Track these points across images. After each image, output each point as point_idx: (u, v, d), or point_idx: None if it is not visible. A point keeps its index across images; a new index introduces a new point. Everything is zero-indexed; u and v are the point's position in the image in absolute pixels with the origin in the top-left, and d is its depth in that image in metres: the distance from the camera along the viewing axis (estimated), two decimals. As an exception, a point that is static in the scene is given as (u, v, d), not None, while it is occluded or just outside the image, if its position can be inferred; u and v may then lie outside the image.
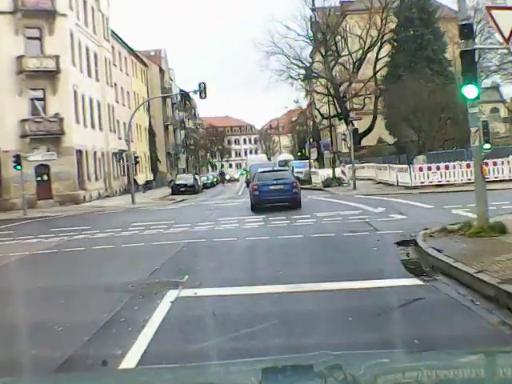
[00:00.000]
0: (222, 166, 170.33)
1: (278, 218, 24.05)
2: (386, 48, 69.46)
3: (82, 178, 52.33)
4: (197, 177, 68.69)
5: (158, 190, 70.45)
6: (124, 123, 70.45)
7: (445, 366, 3.37)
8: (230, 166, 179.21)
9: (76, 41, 53.14)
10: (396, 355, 4.15)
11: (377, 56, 72.22)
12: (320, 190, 46.86)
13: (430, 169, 37.48)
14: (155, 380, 3.57)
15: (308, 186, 51.48)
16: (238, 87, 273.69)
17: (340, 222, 21.55)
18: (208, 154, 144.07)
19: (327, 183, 47.45)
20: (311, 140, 79.37)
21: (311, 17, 76.21)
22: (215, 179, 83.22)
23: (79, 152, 51.56)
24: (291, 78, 76.45)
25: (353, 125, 62.31)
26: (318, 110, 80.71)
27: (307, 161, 60.49)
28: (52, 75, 48.94)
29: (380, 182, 44.45)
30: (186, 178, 63.35)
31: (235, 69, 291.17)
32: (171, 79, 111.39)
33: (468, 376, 3.20)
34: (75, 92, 51.67)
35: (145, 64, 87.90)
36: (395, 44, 56.14)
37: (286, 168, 43.53)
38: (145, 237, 21.20)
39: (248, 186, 41.11)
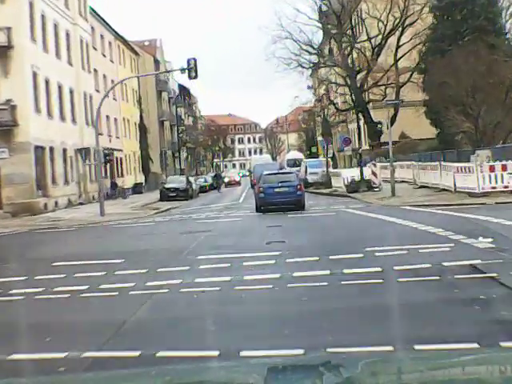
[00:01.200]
0: (226, 167, 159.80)
1: (308, 261, 12.96)
2: (411, 31, 59.08)
3: (44, 182, 41.32)
4: (192, 179, 57.73)
5: (148, 194, 59.47)
6: (107, 116, 59.50)
7: (445, 366, 3.34)
8: (234, 166, 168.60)
9: (37, 12, 42.16)
10: (396, 355, 4.25)
11: (398, 41, 61.73)
12: (344, 196, 35.97)
13: (504, 168, 26.48)
14: (155, 380, 3.49)
15: (326, 191, 40.52)
16: (242, 86, 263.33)
17: (435, 279, 10.40)
18: (210, 154, 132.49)
19: (353, 188, 36.45)
20: (322, 136, 69.00)
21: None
22: (215, 181, 71.23)
23: (40, 149, 40.60)
24: (301, 66, 65.73)
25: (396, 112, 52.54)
26: (332, 101, 69.49)
27: (323, 159, 49.43)
28: (2, 52, 38.08)
29: (424, 186, 33.56)
30: (177, 181, 52.41)
31: (239, 68, 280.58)
32: (168, 72, 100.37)
33: (468, 376, 3.16)
34: (35, 74, 40.74)
35: (135, 52, 76.96)
36: (437, 13, 44.85)
37: (291, 170, 40.75)
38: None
39: (252, 187, 40.19)
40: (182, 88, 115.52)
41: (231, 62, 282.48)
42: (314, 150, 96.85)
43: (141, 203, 47.15)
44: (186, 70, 35.03)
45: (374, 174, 36.36)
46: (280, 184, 29.22)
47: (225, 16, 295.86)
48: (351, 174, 38.80)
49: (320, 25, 68.78)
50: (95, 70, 56.80)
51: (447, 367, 3.31)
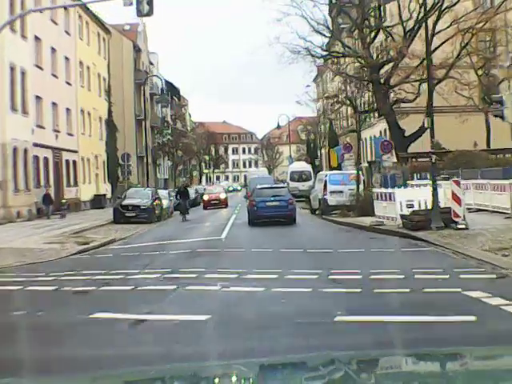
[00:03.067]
0: (218, 178, 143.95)
1: None
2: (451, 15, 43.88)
3: None
4: (165, 193, 42.02)
5: (110, 210, 43.69)
6: (54, 104, 43.80)
7: (445, 366, 3.34)
8: (227, 178, 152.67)
9: None
10: (396, 355, 4.07)
11: (434, 27, 46.38)
12: (403, 236, 20.38)
13: None
14: (155, 380, 3.45)
15: (360, 222, 25.14)
16: (238, 97, 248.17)
17: None
18: (201, 163, 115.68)
19: (418, 221, 20.77)
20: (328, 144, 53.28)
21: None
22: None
23: None
24: (311, 55, 50.10)
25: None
26: (349, 99, 53.33)
27: (351, 172, 33.68)
28: None
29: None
30: (138, 196, 36.65)
31: (235, 79, 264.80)
32: (151, 64, 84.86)
33: (468, 376, 3.11)
34: None
35: (107, 30, 61.14)
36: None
37: (283, 185, 42.12)
38: None
39: (247, 199, 39.60)
40: (169, 86, 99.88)
41: (231, 73, 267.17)
42: (318, 162, 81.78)
43: (80, 226, 31.54)
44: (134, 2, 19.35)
45: (456, 198, 20.66)
46: (272, 198, 29.58)
47: (224, 19, 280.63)
48: (411, 196, 23.11)
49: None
50: (37, 39, 41.11)
51: (447, 367, 3.27)
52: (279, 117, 76.48)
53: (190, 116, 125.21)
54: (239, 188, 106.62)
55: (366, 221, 25.67)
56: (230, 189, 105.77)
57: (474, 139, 49.03)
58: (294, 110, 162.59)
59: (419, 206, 22.68)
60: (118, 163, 59.20)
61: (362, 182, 31.84)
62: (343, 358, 3.73)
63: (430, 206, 22.10)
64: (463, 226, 20.26)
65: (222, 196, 51.65)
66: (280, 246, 19.01)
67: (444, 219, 20.73)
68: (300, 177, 53.88)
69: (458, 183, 21.09)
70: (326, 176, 32.78)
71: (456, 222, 20.57)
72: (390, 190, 23.77)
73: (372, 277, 12.31)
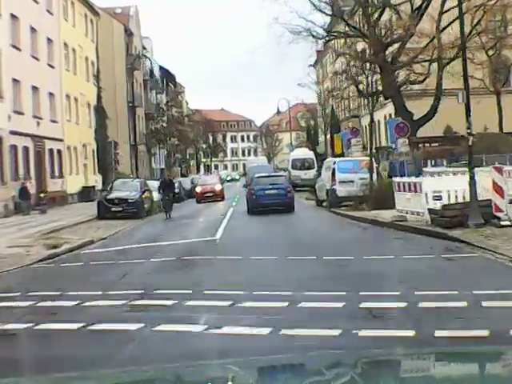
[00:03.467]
0: (216, 167, 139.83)
1: None
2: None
3: None
4: (156, 184, 38.31)
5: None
6: (34, 88, 40.06)
7: (445, 366, 3.31)
8: (226, 166, 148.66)
9: None
10: (396, 355, 3.94)
11: (442, 5, 42.59)
12: (434, 235, 16.71)
13: None
14: (155, 380, 3.43)
15: (376, 217, 21.54)
16: (236, 85, 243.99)
17: None
18: (198, 151, 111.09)
19: (451, 217, 17.06)
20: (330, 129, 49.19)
21: None
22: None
23: None
24: (312, 36, 46.28)
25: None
26: (355, 80, 49.36)
27: (363, 159, 29.89)
28: None
29: None
30: (126, 188, 32.89)
31: (235, 79, 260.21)
32: (145, 48, 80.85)
33: (468, 376, 3.07)
34: None
35: (94, 12, 57.16)
36: None
37: (281, 173, 41.77)
38: None
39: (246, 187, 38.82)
40: (164, 72, 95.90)
41: (227, 59, 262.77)
42: (319, 150, 78.00)
43: (59, 224, 27.88)
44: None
45: (497, 189, 16.95)
46: (270, 186, 29.56)
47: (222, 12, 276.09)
48: (438, 186, 19.33)
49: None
50: (14, 17, 37.28)
51: (447, 367, 3.25)
52: (279, 101, 72.20)
53: (187, 103, 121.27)
54: (237, 177, 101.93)
55: (384, 215, 21.97)
56: (228, 178, 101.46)
57: (483, 123, 45.81)
58: (296, 94, 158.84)
59: (448, 199, 18.93)
60: (108, 152, 55.50)
61: (375, 169, 27.97)
62: (343, 358, 3.72)
63: (461, 199, 18.44)
64: (508, 223, 16.58)
65: (218, 188, 45.15)
66: (286, 250, 15.39)
67: (483, 214, 17.04)
68: (302, 165, 50.12)
69: (499, 170, 17.34)
70: (335, 163, 28.90)
71: (498, 218, 16.90)
72: (415, 180, 19.92)
73: (422, 304, 8.64)
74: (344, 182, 27.73)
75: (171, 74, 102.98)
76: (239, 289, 10.39)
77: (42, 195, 33.76)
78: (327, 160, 34.90)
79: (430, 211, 18.21)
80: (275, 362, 3.82)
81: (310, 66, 61.90)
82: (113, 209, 31.18)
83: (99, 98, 55.74)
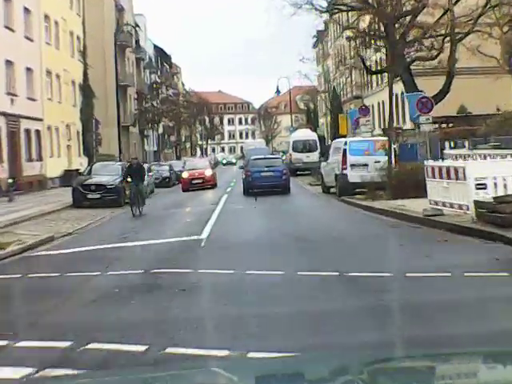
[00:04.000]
0: (214, 150, 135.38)
1: None
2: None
3: None
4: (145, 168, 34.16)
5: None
6: (8, 61, 35.69)
7: (445, 366, 3.25)
8: (223, 149, 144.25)
9: None
10: (396, 355, 4.02)
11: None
12: (488, 237, 12.50)
13: None
14: (154, 380, 3.30)
15: (407, 211, 17.23)
16: (236, 69, 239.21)
17: None
18: (192, 133, 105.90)
19: (510, 213, 12.79)
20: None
21: None
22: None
23: None
24: (315, 8, 41.85)
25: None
26: (361, 58, 44.86)
27: (379, 139, 25.57)
28: None
29: None
30: (105, 173, 28.64)
31: (233, 49, 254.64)
32: (137, 26, 76.14)
33: (468, 376, 3.04)
34: None
35: (80, -18, 52.60)
36: None
37: (277, 156, 40.91)
38: None
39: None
40: (159, 51, 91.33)
41: (225, 43, 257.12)
42: (320, 132, 73.58)
43: (24, 214, 23.60)
44: None
45: None
46: (266, 168, 29.59)
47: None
48: (481, 172, 14.95)
49: None
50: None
51: (447, 367, 3.20)
52: (279, 80, 67.10)
53: (183, 85, 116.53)
54: (234, 161, 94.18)
55: (411, 206, 17.71)
56: (224, 161, 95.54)
57: (495, 103, 42.02)
58: (297, 74, 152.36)
59: (495, 188, 14.65)
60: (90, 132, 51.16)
61: (393, 151, 23.65)
62: (344, 358, 3.74)
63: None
64: None
65: (208, 173, 37.12)
66: (295, 259, 11.22)
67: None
68: (304, 147, 45.76)
69: None
70: (346, 144, 24.46)
71: None
72: (457, 164, 15.57)
73: None
74: (356, 165, 23.49)
75: (166, 54, 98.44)
76: (226, 340, 6.17)
77: (10, 181, 29.34)
78: (336, 140, 30.37)
79: (478, 204, 13.94)
80: (275, 362, 3.98)
81: (315, 36, 57.45)
82: (89, 196, 27.05)
83: (85, 75, 51.31)
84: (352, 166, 23.50)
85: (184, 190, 35.29)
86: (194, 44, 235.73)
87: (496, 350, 3.91)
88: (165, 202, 29.09)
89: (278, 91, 58.17)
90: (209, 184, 36.43)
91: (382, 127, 45.92)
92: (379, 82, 65.11)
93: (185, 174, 37.12)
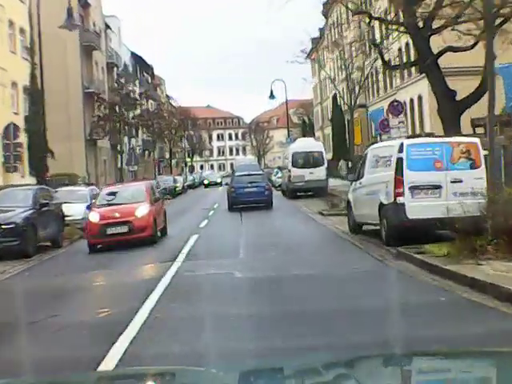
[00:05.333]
0: (201, 168, 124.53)
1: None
2: None
3: None
4: (84, 192, 23.55)
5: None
6: None
7: (445, 367, 3.20)
8: (212, 166, 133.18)
9: None
10: (396, 356, 3.84)
11: None
12: None
13: None
14: (155, 380, 3.31)
15: None
16: (224, 83, 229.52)
17: None
18: (172, 148, 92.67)
19: None
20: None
21: None
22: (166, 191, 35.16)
23: None
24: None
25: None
26: (377, 46, 33.88)
27: (463, 141, 14.52)
28: None
29: None
30: (8, 203, 17.89)
31: (221, 65, 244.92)
32: (108, 27, 65.74)
33: (468, 376, 2.99)
34: None
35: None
36: None
37: (260, 172, 35.38)
38: None
39: None
40: (138, 60, 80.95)
41: (215, 57, 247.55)
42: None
43: None
44: None
45: None
46: (250, 184, 29.75)
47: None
48: None
49: None
50: None
51: (447, 367, 3.15)
52: (272, 83, 55.51)
53: (168, 98, 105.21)
54: (219, 180, 74.00)
55: None
56: (206, 182, 74.17)
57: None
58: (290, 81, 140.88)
59: None
60: (47, 148, 40.45)
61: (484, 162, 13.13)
62: (344, 358, 3.67)
63: None
64: None
65: (141, 212, 18.32)
66: None
67: None
68: (307, 161, 35.05)
69: None
70: (401, 150, 13.64)
71: None
72: None
73: None
74: (422, 188, 12.92)
75: (147, 64, 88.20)
76: None
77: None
78: (379, 145, 17.99)
79: None
80: (275, 363, 4.05)
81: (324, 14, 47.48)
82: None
83: (33, 77, 40.65)
84: (413, 189, 12.95)
85: (91, 249, 18.05)
86: (180, 58, 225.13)
87: (495, 350, 3.70)
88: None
89: (272, 95, 47.79)
90: (140, 235, 18.17)
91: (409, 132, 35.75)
92: (388, 86, 55.06)
93: (93, 216, 18.60)
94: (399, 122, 24.82)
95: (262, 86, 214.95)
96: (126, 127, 47.37)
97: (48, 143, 41.65)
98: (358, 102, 67.83)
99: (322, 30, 73.91)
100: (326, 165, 35.16)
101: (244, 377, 3.09)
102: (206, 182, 74.34)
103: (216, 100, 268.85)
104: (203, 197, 45.97)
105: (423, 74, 34.17)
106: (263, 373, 3.22)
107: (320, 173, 34.09)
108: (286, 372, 3.19)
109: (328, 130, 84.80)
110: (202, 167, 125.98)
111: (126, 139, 63.57)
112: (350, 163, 37.33)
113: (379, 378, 3.00)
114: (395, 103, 25.79)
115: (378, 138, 27.85)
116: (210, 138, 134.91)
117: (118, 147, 58.26)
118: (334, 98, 76.71)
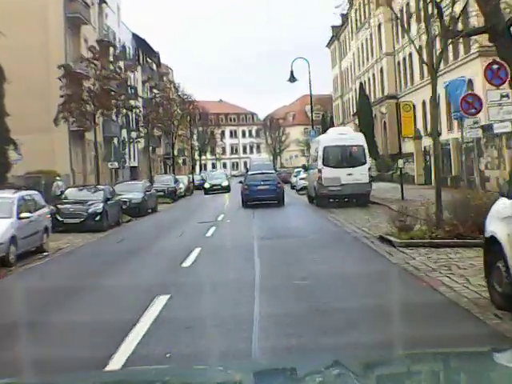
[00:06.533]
0: (213, 166, 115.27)
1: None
2: None
3: None
4: (38, 198, 14.71)
5: None
6: None
7: (445, 366, 3.19)
8: (224, 165, 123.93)
9: None
10: (396, 356, 3.85)
11: None
12: None
13: None
14: (155, 380, 3.25)
15: None
16: (239, 78, 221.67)
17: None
18: (174, 143, 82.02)
19: None
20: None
21: None
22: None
23: None
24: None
25: None
26: (439, 7, 24.71)
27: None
28: None
29: None
30: None
31: (238, 61, 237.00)
32: (104, 2, 56.83)
33: (468, 376, 2.95)
34: None
35: None
36: None
37: (272, 171, 37.42)
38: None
39: None
40: (140, 43, 72.11)
41: (229, 54, 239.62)
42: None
43: None
44: None
45: None
46: (262, 182, 30.96)
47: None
48: None
49: None
50: None
51: (447, 367, 3.14)
52: (293, 62, 45.34)
53: (176, 89, 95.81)
54: (225, 183, 54.66)
55: None
56: (206, 186, 54.02)
57: None
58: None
59: None
60: (7, 140, 31.75)
61: None
62: (343, 358, 3.64)
63: None
64: None
65: None
66: None
67: None
68: (344, 158, 25.83)
69: None
70: None
71: None
72: None
73: None
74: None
75: (152, 50, 79.45)
76: None
77: None
78: None
79: None
80: (275, 363, 4.01)
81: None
82: None
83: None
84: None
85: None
86: (180, 58, 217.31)
87: (495, 350, 3.58)
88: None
89: (292, 77, 38.73)
90: None
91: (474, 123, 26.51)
92: (422, 76, 45.74)
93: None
94: (502, 97, 15.75)
95: (266, 86, 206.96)
96: (105, 111, 37.87)
97: (10, 133, 33.51)
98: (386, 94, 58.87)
99: (344, 16, 65.09)
100: (368, 164, 26.07)
101: (248, 375, 3.09)
102: (206, 185, 55.17)
103: (228, 95, 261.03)
104: (204, 205, 37.10)
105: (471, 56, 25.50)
106: (266, 372, 3.19)
107: (361, 174, 25.05)
108: (287, 372, 3.14)
109: (350, 126, 75.92)
110: (213, 166, 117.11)
111: (116, 130, 54.73)
112: (399, 162, 28.22)
113: (379, 377, 2.97)
114: (494, 66, 16.45)
115: (459, 124, 18.87)
116: (223, 134, 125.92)
117: (90, 137, 47.18)
118: (361, 87, 67.81)
